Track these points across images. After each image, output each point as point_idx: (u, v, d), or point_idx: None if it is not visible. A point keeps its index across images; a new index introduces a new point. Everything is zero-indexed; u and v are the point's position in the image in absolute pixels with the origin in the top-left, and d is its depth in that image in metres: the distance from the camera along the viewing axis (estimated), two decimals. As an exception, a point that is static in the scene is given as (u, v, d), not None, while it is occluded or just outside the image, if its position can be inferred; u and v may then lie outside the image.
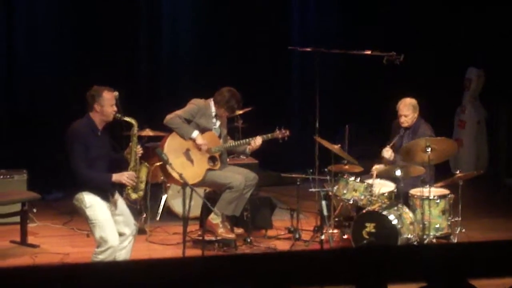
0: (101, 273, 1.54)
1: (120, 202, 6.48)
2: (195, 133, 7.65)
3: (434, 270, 1.86)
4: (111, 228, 6.26)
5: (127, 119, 6.46)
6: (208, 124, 7.78)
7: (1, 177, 8.82)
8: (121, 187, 6.46)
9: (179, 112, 7.69)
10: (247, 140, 7.89)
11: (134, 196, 6.50)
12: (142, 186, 6.52)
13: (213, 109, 7.80)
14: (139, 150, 6.54)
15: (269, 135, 7.92)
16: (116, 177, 6.31)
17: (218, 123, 7.89)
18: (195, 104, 7.78)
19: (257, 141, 7.82)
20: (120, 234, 6.35)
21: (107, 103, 6.31)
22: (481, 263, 1.81)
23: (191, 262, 1.66)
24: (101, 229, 6.22)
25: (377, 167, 7.97)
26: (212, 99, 7.80)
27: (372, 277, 1.86)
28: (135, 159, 6.50)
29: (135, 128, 6.50)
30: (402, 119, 7.96)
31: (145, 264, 1.65)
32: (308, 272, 1.69)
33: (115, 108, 6.36)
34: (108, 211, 6.29)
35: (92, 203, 6.23)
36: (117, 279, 1.55)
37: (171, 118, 7.64)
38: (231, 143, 7.98)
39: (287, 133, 7.96)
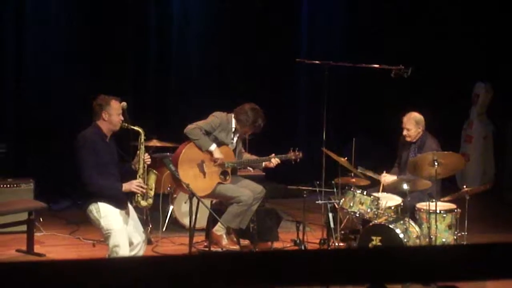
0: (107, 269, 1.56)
1: (131, 210, 6.52)
2: (213, 146, 7.67)
3: (430, 272, 1.87)
4: (124, 237, 6.30)
5: (134, 127, 6.51)
6: (226, 139, 7.79)
7: (8, 186, 8.83)
8: (130, 196, 6.48)
9: (200, 123, 7.70)
10: (264, 158, 7.91)
11: (144, 203, 6.52)
12: (152, 193, 6.55)
13: (233, 124, 7.82)
14: (147, 158, 6.57)
15: (283, 156, 7.95)
16: (126, 186, 6.36)
17: (236, 138, 7.91)
18: (217, 117, 7.78)
19: (274, 161, 7.86)
20: (130, 243, 6.37)
21: (114, 112, 6.37)
22: (474, 265, 1.82)
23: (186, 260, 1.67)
24: (115, 238, 6.25)
25: (385, 176, 8.01)
26: (233, 115, 7.81)
27: (371, 277, 1.87)
28: (143, 166, 6.53)
29: (142, 136, 6.54)
30: (405, 132, 8.00)
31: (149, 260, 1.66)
32: (309, 272, 1.70)
33: (122, 117, 6.42)
34: (122, 220, 6.32)
35: (107, 213, 6.27)
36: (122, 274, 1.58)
37: (192, 128, 7.65)
38: (247, 158, 8.00)
39: (300, 155, 7.99)
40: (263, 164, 7.95)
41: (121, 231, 6.29)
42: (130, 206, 6.51)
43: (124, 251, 6.25)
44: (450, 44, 11.60)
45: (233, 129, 7.84)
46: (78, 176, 6.30)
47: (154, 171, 6.63)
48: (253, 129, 7.85)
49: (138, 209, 6.75)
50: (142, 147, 6.57)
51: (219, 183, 7.73)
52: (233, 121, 7.82)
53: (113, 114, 6.38)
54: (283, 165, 8.16)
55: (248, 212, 7.70)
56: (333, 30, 12.06)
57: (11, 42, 10.49)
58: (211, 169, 7.71)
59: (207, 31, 11.50)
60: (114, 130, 6.45)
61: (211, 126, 7.72)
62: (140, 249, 6.49)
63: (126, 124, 6.46)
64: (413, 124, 7.95)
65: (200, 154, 7.68)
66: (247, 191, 7.69)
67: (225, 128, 7.78)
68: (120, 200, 6.36)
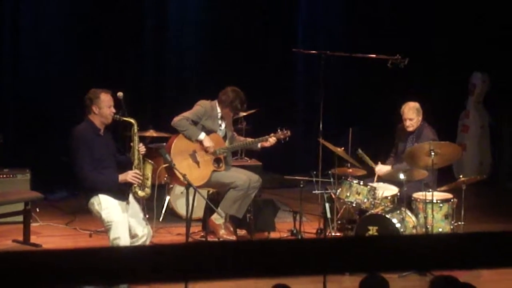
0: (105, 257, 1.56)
1: (133, 202, 6.50)
2: (202, 135, 7.68)
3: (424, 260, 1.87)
4: (124, 229, 6.28)
5: (126, 119, 6.48)
6: (213, 126, 7.80)
7: (4, 176, 8.81)
8: (128, 187, 6.47)
9: (186, 114, 7.71)
10: (260, 138, 7.92)
11: (141, 194, 6.50)
12: (148, 183, 6.53)
13: (218, 110, 7.83)
14: (142, 148, 6.56)
15: (272, 135, 7.93)
16: (121, 177, 6.34)
17: (223, 124, 7.92)
18: (201, 106, 7.80)
19: (271, 140, 7.86)
20: (132, 236, 6.37)
21: (104, 105, 6.34)
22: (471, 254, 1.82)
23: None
24: (115, 230, 6.23)
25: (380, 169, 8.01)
26: (217, 100, 7.83)
27: (367, 266, 1.87)
28: (138, 157, 6.51)
29: (135, 127, 6.52)
30: (408, 123, 7.95)
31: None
32: (306, 261, 1.70)
33: (113, 110, 6.39)
34: (122, 212, 6.30)
35: (107, 205, 6.26)
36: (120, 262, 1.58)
37: (178, 120, 7.66)
38: (241, 141, 8.03)
39: (288, 133, 7.98)
40: (259, 145, 7.94)
41: (122, 223, 6.27)
42: (132, 199, 6.50)
43: (124, 243, 6.23)
44: (447, 33, 11.58)
45: (219, 115, 7.85)
46: (74, 172, 6.30)
47: (150, 161, 6.62)
48: (231, 110, 7.83)
49: (135, 199, 6.74)
50: (136, 138, 6.55)
51: (214, 171, 7.74)
52: (218, 107, 7.82)
53: (103, 107, 6.35)
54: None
55: (245, 200, 7.70)
56: (331, 19, 12.04)
57: (8, 36, 10.50)
58: (204, 158, 7.72)
59: (204, 23, 11.48)
60: (106, 123, 6.43)
61: (196, 115, 7.74)
62: (143, 243, 6.47)
63: (118, 116, 6.43)
64: (414, 113, 7.93)
65: (190, 145, 7.69)
66: (243, 176, 7.72)
67: (210, 116, 7.79)
68: (120, 192, 6.35)
